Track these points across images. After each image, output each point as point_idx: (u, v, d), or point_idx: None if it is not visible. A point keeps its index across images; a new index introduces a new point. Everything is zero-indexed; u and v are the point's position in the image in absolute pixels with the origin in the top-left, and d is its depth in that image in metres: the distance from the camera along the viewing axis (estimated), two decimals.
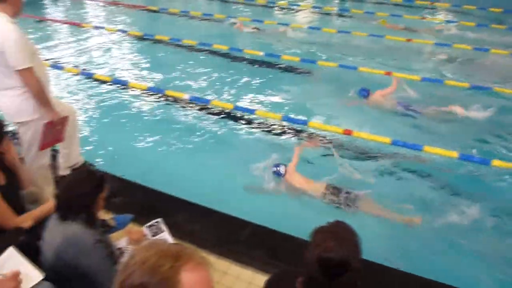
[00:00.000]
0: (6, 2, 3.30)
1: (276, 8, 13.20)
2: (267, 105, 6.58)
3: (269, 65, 8.22)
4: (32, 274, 2.15)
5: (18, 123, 3.61)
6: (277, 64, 8.22)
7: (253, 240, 3.62)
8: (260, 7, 13.68)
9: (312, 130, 5.79)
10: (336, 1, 14.56)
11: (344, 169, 4.73)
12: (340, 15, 12.56)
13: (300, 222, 3.72)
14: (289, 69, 8.05)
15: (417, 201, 4.40)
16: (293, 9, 13.06)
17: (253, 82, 7.51)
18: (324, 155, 5.20)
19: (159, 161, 5.21)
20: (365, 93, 6.36)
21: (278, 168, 4.62)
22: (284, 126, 5.93)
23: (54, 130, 3.69)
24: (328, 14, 13.00)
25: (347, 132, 5.50)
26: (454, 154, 5.06)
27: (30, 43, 3.50)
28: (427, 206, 4.38)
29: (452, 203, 4.36)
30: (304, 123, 5.86)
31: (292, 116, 6.02)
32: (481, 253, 3.82)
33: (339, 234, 1.58)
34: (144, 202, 4.12)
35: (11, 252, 2.17)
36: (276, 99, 6.89)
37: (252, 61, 8.40)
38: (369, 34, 9.83)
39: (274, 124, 5.98)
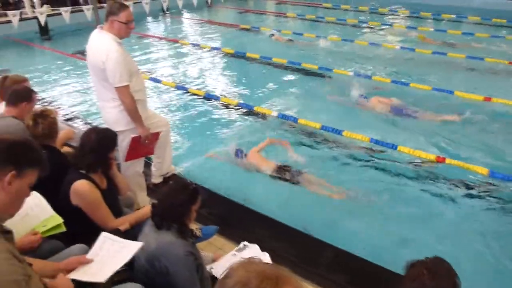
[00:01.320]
0: (113, 24, 3.56)
1: (366, 27, 13.02)
2: (354, 127, 6.45)
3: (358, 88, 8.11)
4: (129, 246, 2.36)
5: (116, 131, 3.89)
6: None
7: (333, 263, 3.56)
8: (350, 26, 13.59)
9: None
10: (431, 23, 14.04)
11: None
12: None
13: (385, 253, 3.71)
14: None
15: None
16: (383, 29, 12.79)
17: (342, 103, 7.43)
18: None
19: (247, 176, 5.31)
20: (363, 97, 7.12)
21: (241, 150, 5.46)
22: (369, 147, 5.78)
23: (144, 144, 3.90)
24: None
25: (440, 160, 5.26)
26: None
27: (131, 62, 3.74)
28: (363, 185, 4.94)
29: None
30: (393, 146, 5.67)
31: (378, 139, 5.85)
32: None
33: (436, 271, 1.49)
34: (227, 215, 4.21)
35: (105, 235, 2.42)
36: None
37: (342, 81, 8.34)
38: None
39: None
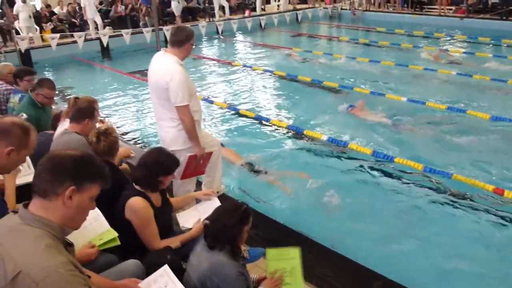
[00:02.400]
0: (182, 47, 3.75)
1: (424, 52, 12.77)
2: (405, 153, 6.28)
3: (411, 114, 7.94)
4: None
5: (172, 150, 4.00)
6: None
7: None
8: (404, 51, 13.38)
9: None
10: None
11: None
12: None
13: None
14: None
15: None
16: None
17: (393, 130, 7.28)
18: None
19: (295, 197, 5.29)
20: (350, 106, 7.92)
21: None
22: (427, 176, 5.60)
23: (198, 163, 4.00)
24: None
25: (499, 192, 5.02)
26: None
27: (191, 83, 3.89)
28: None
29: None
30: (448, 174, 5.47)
31: (433, 167, 5.66)
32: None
33: None
34: (274, 237, 4.18)
35: (166, 270, 2.37)
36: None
37: (394, 106, 8.19)
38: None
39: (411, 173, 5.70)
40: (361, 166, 5.97)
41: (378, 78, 10.25)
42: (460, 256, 4.15)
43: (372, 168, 5.89)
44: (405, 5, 20.30)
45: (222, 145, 5.45)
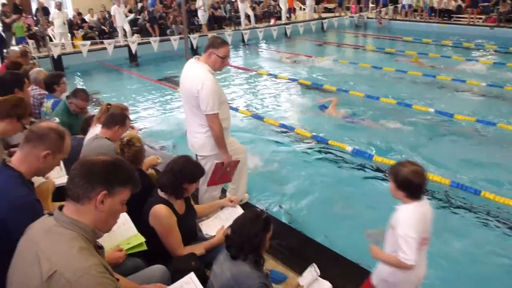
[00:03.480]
0: (210, 58, 3.79)
1: (449, 62, 12.59)
2: (437, 167, 6.17)
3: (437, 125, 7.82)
4: None
5: (200, 156, 4.07)
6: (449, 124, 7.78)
7: None
8: (431, 61, 13.20)
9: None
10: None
11: None
12: None
13: None
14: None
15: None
16: (468, 64, 12.26)
17: (419, 142, 7.19)
18: None
19: (317, 207, 5.27)
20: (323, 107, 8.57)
21: None
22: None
23: (224, 170, 4.04)
24: None
25: None
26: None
27: (221, 91, 3.94)
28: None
29: None
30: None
31: (461, 183, 5.56)
32: None
33: None
34: (297, 248, 4.16)
35: (192, 278, 2.41)
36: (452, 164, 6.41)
37: (421, 117, 8.09)
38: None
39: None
40: (384, 179, 5.92)
41: (404, 88, 10.16)
42: None
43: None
44: (433, 14, 20.08)
45: None
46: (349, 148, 6.66)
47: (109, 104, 4.34)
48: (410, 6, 20.43)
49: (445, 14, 19.71)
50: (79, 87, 5.07)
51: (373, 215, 5.06)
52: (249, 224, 2.49)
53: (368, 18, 21.05)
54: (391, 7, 20.74)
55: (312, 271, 2.95)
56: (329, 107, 8.39)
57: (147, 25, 16.44)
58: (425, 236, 2.59)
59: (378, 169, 6.11)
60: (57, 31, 14.41)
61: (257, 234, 2.44)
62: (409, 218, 2.53)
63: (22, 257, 1.67)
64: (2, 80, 3.97)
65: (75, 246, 1.59)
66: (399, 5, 20.72)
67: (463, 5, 19.74)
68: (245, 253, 2.42)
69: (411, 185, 2.53)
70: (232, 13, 19.57)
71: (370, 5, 21.94)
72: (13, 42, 14.78)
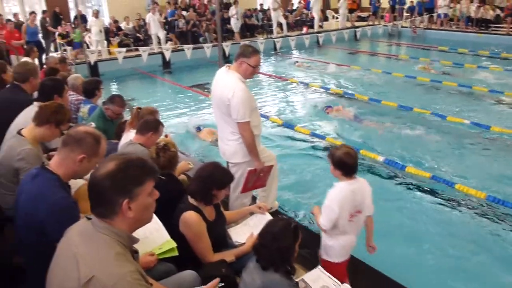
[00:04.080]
0: (241, 67, 3.82)
1: (486, 72, 12.26)
2: (470, 179, 6.01)
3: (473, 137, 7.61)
4: None
5: (232, 163, 4.09)
6: None
7: None
8: (468, 71, 12.90)
9: None
10: None
11: None
12: None
13: None
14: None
15: None
16: (506, 76, 11.89)
17: (454, 154, 7.02)
18: None
19: None
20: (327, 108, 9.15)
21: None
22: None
23: (258, 176, 4.06)
24: None
25: None
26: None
27: (253, 99, 3.96)
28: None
29: None
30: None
31: (497, 197, 5.38)
32: None
33: None
34: None
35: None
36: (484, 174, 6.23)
37: (455, 129, 7.90)
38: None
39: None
40: (418, 188, 5.80)
41: (439, 99, 9.96)
42: None
43: (426, 191, 5.71)
44: (470, 24, 19.61)
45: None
46: (381, 158, 6.55)
47: (140, 108, 4.42)
48: (446, 15, 20.03)
49: (482, 24, 19.23)
50: (114, 93, 5.14)
51: (407, 226, 4.98)
52: (279, 237, 2.46)
53: (402, 27, 20.74)
54: (426, 16, 20.38)
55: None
56: (334, 109, 9.00)
57: (170, 34, 16.71)
58: (354, 211, 3.07)
59: (410, 180, 6.00)
60: (94, 38, 14.83)
61: (288, 247, 2.43)
62: (337, 194, 3.01)
63: (61, 259, 1.71)
64: (42, 86, 4.10)
65: (111, 252, 1.61)
66: (435, 14, 20.33)
67: (502, 14, 19.22)
68: (275, 265, 2.41)
69: (345, 165, 3.01)
70: (265, 21, 19.67)
71: (405, 14, 21.63)
72: (52, 48, 15.35)
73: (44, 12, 16.01)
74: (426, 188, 5.82)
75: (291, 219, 2.84)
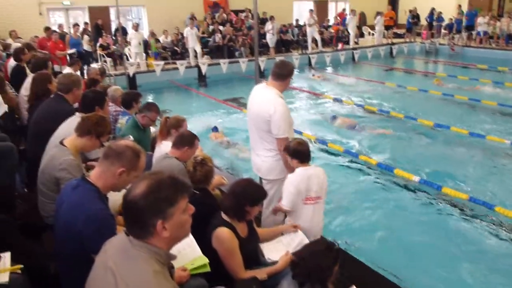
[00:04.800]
0: (284, 81, 3.89)
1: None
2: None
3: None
4: None
5: (266, 180, 4.09)
6: None
7: None
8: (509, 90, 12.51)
9: None
10: None
11: None
12: None
13: None
14: None
15: None
16: None
17: (493, 172, 6.80)
18: None
19: (385, 238, 5.10)
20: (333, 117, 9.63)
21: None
22: None
23: None
24: None
25: None
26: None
27: (290, 115, 3.97)
28: None
29: None
30: None
31: None
32: None
33: None
34: (359, 279, 4.03)
35: None
36: None
37: (495, 148, 7.65)
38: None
39: None
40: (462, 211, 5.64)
41: (477, 118, 9.69)
42: None
43: (466, 216, 5.53)
44: (510, 42, 19.08)
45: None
46: (416, 178, 6.40)
47: (168, 117, 4.48)
48: (486, 33, 19.55)
49: None
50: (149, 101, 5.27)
51: (447, 248, 4.84)
52: (321, 255, 2.45)
53: (440, 44, 20.38)
54: (465, 34, 19.95)
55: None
56: (339, 119, 9.45)
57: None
58: (310, 195, 3.53)
59: (449, 202, 5.85)
60: (133, 50, 15.25)
61: (328, 267, 2.41)
62: (293, 178, 3.53)
63: (99, 273, 1.73)
64: (84, 97, 4.23)
65: (149, 270, 1.63)
66: (474, 32, 19.88)
67: None
68: (312, 283, 2.39)
69: (299, 152, 3.53)
70: (300, 37, 19.73)
71: (443, 31, 21.25)
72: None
73: (86, 24, 16.62)
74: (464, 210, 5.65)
75: (335, 243, 2.80)
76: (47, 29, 13.69)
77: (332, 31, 21.16)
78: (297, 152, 3.51)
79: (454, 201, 5.86)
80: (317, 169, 3.66)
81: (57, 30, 14.74)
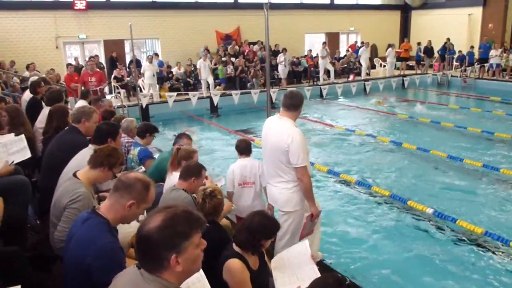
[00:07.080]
0: (296, 111, 3.95)
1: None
2: None
3: None
4: None
5: (282, 211, 4.06)
6: None
7: None
8: None
9: None
10: None
11: None
12: None
13: None
14: None
15: None
16: None
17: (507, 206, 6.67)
18: None
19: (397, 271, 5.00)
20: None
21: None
22: None
23: (313, 222, 4.03)
24: None
25: None
26: None
27: (306, 144, 3.99)
28: None
29: None
30: None
31: None
32: None
33: None
34: None
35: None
36: None
37: (510, 181, 7.53)
38: None
39: None
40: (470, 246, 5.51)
41: (492, 150, 9.58)
42: None
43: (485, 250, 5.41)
44: None
45: None
46: (429, 210, 6.30)
47: (179, 148, 4.50)
48: (498, 65, 19.53)
49: None
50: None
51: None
52: None
53: (452, 76, 20.39)
54: (477, 66, 19.95)
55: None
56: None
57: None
58: (242, 181, 4.67)
59: (464, 236, 5.73)
60: (146, 82, 15.53)
61: None
62: (232, 166, 4.77)
63: None
64: (98, 130, 4.28)
65: None
66: (487, 64, 19.87)
67: None
68: None
69: (237, 147, 4.84)
70: (312, 68, 19.91)
71: (455, 63, 21.30)
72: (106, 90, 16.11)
73: (96, 57, 16.80)
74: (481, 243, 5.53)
75: (346, 278, 2.74)
76: (69, 65, 13.94)
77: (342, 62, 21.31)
78: (236, 147, 4.84)
79: (471, 236, 5.74)
80: (253, 161, 4.72)
81: (73, 63, 15.09)
